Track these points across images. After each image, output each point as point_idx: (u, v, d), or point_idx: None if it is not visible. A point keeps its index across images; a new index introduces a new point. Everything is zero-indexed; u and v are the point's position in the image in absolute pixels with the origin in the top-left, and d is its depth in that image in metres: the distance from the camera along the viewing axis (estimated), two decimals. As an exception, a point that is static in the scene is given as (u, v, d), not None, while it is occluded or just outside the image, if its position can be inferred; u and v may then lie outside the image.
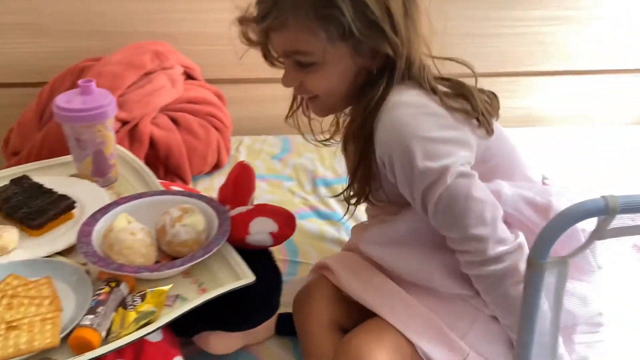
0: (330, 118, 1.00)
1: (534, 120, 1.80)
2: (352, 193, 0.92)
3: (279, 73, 1.72)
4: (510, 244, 0.76)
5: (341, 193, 0.94)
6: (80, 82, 0.99)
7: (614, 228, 0.61)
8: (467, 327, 0.83)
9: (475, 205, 0.76)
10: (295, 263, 1.16)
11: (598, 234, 0.61)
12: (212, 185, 1.40)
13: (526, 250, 0.77)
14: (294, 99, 1.01)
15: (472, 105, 0.82)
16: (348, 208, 0.94)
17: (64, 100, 0.98)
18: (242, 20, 0.88)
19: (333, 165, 1.51)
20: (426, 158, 0.76)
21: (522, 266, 0.75)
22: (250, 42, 0.90)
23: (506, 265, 0.76)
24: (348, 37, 0.77)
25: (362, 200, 0.92)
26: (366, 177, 0.87)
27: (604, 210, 0.59)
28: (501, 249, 0.76)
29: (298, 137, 1.61)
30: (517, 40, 1.67)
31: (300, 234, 1.22)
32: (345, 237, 1.23)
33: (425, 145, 0.77)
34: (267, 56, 0.92)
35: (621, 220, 0.61)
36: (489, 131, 0.83)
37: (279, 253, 1.14)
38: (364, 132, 0.83)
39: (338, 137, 1.01)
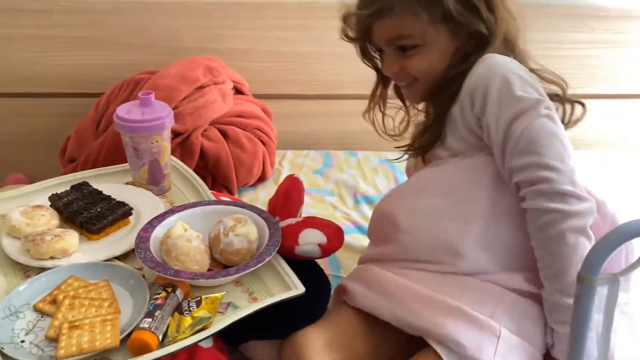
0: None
1: (577, 143, 1.79)
2: (416, 146, 0.99)
3: (323, 89, 1.77)
4: (584, 195, 0.77)
5: (407, 145, 1.03)
6: (140, 94, 1.03)
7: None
8: (493, 306, 0.81)
9: (558, 145, 0.79)
10: (337, 278, 1.17)
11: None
12: (256, 197, 1.43)
13: (594, 217, 0.78)
14: (373, 95, 1.09)
15: (563, 93, 0.89)
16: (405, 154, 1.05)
17: (124, 110, 1.02)
18: (346, 16, 0.97)
19: (375, 182, 1.52)
20: (523, 90, 0.81)
21: (588, 222, 0.77)
22: (350, 39, 0.99)
23: (573, 209, 0.76)
24: (448, 18, 0.85)
25: (423, 153, 0.97)
26: (438, 128, 0.92)
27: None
28: (573, 190, 0.76)
29: (340, 153, 1.65)
30: (563, 63, 1.67)
31: (343, 249, 1.23)
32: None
33: (523, 81, 0.82)
34: (364, 51, 1.00)
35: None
36: (568, 124, 0.89)
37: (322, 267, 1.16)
38: (451, 86, 0.89)
39: (407, 135, 1.08)
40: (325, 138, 1.70)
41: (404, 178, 1.52)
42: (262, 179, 1.45)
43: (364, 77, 1.65)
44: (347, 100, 1.67)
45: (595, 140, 1.80)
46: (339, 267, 1.20)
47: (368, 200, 1.45)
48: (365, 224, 1.35)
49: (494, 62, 0.85)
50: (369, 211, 1.39)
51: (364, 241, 1.28)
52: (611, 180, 1.50)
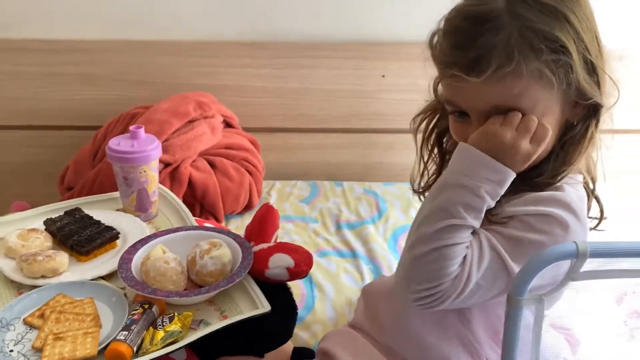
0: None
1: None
2: None
3: (311, 124, 1.85)
4: None
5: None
6: (131, 127, 1.12)
7: (587, 271, 0.68)
8: None
9: None
10: (311, 297, 1.24)
11: (571, 275, 0.68)
12: (242, 224, 1.51)
13: None
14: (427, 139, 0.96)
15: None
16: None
17: (115, 143, 1.12)
18: (445, 73, 0.78)
19: (358, 209, 1.60)
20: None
21: None
22: (439, 68, 0.82)
23: None
24: (569, 83, 0.74)
25: None
26: None
27: (575, 254, 0.66)
28: None
29: (326, 183, 1.74)
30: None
31: (319, 270, 1.31)
32: (361, 275, 1.31)
33: None
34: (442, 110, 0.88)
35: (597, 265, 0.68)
36: None
37: (297, 288, 1.23)
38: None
39: None
40: (313, 169, 1.79)
41: (385, 206, 1.61)
42: (249, 207, 1.53)
43: (350, 112, 1.77)
44: (334, 134, 1.76)
45: None
46: (314, 287, 1.27)
47: (350, 226, 1.52)
48: (345, 249, 1.42)
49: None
50: (350, 236, 1.47)
51: (340, 264, 1.36)
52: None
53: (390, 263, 1.35)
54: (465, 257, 0.77)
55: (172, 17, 1.63)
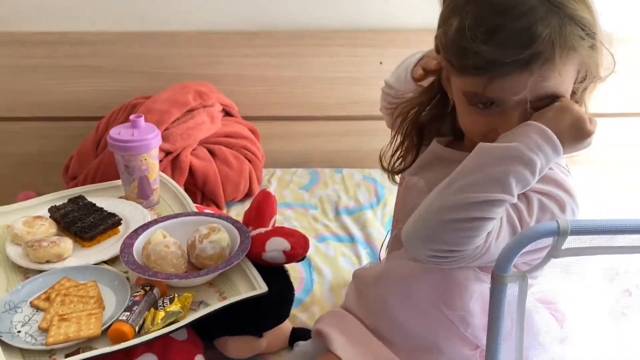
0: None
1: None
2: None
3: (310, 111, 1.86)
4: None
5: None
6: (131, 117, 1.15)
7: (568, 248, 0.70)
8: None
9: None
10: (310, 279, 1.28)
11: (553, 252, 0.70)
12: (243, 211, 1.53)
13: None
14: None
15: None
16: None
17: (116, 132, 1.15)
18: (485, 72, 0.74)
19: (357, 195, 1.62)
20: None
21: None
22: (463, 71, 0.78)
23: None
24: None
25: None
26: None
27: (556, 232, 0.69)
28: None
29: (326, 170, 1.76)
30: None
31: (317, 254, 1.34)
32: (359, 259, 1.34)
33: None
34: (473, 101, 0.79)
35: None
36: None
37: (296, 272, 1.26)
38: None
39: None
40: (313, 157, 1.81)
41: (384, 192, 1.63)
42: (249, 194, 1.56)
43: (348, 99, 1.78)
44: (333, 122, 1.78)
45: None
46: (312, 271, 1.30)
47: (349, 212, 1.55)
48: (343, 234, 1.45)
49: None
50: (348, 222, 1.49)
51: (338, 248, 1.38)
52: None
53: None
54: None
55: (171, 8, 1.65)
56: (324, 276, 1.28)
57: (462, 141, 0.92)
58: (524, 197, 0.79)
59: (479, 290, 0.86)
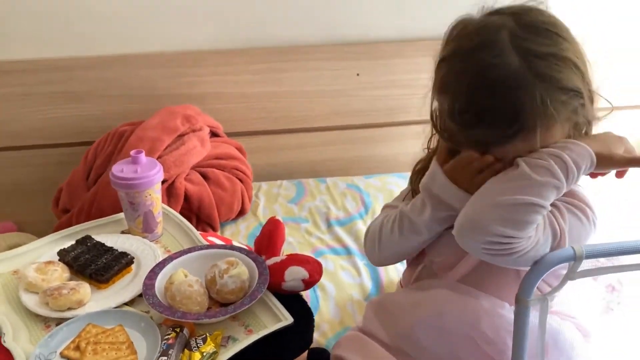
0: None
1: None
2: None
3: (291, 124, 1.89)
4: None
5: None
6: (132, 153, 1.15)
7: (582, 270, 0.77)
8: None
9: None
10: (315, 297, 1.32)
11: (570, 275, 0.77)
12: (237, 230, 1.56)
13: None
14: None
15: None
16: None
17: (118, 169, 1.15)
18: (468, 128, 0.82)
19: (345, 205, 1.67)
20: None
21: None
22: (462, 144, 0.87)
23: None
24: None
25: None
26: None
27: (573, 257, 0.76)
28: None
29: (310, 181, 1.80)
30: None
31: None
32: (358, 271, 1.39)
33: None
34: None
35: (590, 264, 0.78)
36: None
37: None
38: None
39: None
40: (297, 168, 1.85)
41: (370, 200, 1.69)
42: (241, 212, 1.58)
43: (329, 111, 1.83)
44: (315, 133, 1.82)
45: None
46: (315, 287, 1.34)
47: (340, 223, 1.60)
48: (339, 246, 1.50)
49: None
50: (341, 233, 1.54)
51: (337, 262, 1.43)
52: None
53: (382, 257, 1.43)
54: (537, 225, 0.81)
55: (147, 29, 1.63)
56: (327, 292, 1.33)
57: None
58: (555, 206, 0.85)
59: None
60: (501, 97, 0.78)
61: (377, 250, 1.05)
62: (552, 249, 0.81)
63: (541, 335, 0.81)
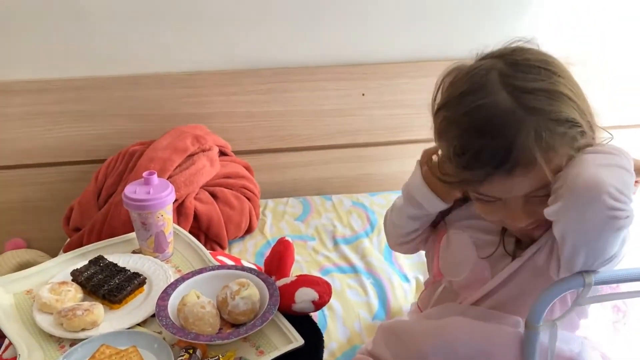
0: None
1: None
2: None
3: (297, 143, 1.92)
4: None
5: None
6: (144, 174, 1.17)
7: (591, 296, 0.79)
8: None
9: None
10: (322, 317, 1.33)
11: (580, 300, 0.79)
12: (245, 247, 1.58)
13: None
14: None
15: None
16: None
17: (131, 190, 1.17)
18: (460, 175, 0.83)
19: (350, 223, 1.69)
20: None
21: None
22: (451, 184, 0.88)
23: None
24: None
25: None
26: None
27: (582, 284, 0.78)
28: None
29: (316, 198, 1.82)
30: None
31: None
32: (365, 290, 1.40)
33: None
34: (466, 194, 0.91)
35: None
36: None
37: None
38: None
39: None
40: (303, 185, 1.87)
41: (376, 218, 1.70)
42: (249, 230, 1.60)
43: (334, 130, 1.85)
44: (321, 151, 1.85)
45: None
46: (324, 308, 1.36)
47: (346, 241, 1.61)
48: (345, 265, 1.51)
49: None
50: (348, 251, 1.56)
51: (343, 280, 1.44)
52: None
53: (389, 275, 1.45)
54: None
55: (157, 50, 1.66)
56: (334, 311, 1.34)
57: None
58: None
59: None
60: (491, 136, 0.78)
61: (385, 234, 1.16)
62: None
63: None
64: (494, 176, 0.79)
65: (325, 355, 1.22)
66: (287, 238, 1.16)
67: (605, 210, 0.72)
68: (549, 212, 0.78)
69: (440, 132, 0.88)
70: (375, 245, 1.59)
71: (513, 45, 0.87)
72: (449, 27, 1.68)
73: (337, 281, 1.44)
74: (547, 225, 0.84)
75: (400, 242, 1.11)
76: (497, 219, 0.88)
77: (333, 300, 1.37)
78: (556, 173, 0.78)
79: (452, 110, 0.84)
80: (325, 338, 1.25)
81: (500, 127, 0.77)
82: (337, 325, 1.31)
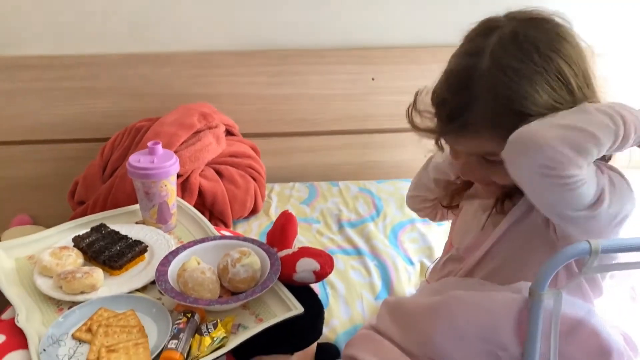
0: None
1: None
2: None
3: (305, 127, 1.91)
4: None
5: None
6: (149, 144, 1.17)
7: (598, 265, 0.77)
8: None
9: None
10: (325, 295, 1.32)
11: (586, 270, 0.77)
12: (250, 228, 1.57)
13: None
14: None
15: None
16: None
17: (135, 159, 1.16)
18: (421, 109, 0.91)
19: (356, 208, 1.67)
20: None
21: None
22: (417, 129, 0.92)
23: None
24: None
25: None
26: None
27: (589, 252, 0.75)
28: None
29: (323, 184, 1.81)
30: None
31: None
32: (368, 271, 1.39)
33: None
34: (438, 142, 0.93)
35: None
36: None
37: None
38: None
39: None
40: (310, 171, 1.86)
41: (382, 204, 1.69)
42: (254, 211, 1.59)
43: (343, 115, 1.84)
44: (328, 136, 1.83)
45: None
46: (325, 285, 1.34)
47: (351, 225, 1.60)
48: (349, 247, 1.50)
49: None
50: (352, 234, 1.54)
51: (347, 261, 1.43)
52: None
53: (393, 259, 1.43)
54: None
55: (168, 30, 1.66)
56: (337, 290, 1.33)
57: None
58: (597, 166, 0.82)
59: None
60: (455, 90, 0.83)
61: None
62: (592, 205, 0.77)
63: (554, 332, 0.80)
64: (447, 129, 0.85)
65: (325, 331, 1.22)
66: (290, 211, 1.15)
67: (532, 166, 0.74)
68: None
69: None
70: (381, 229, 1.58)
71: (537, 14, 0.86)
72: (463, 12, 1.67)
73: (341, 262, 1.43)
74: (503, 192, 0.91)
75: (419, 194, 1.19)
76: (470, 179, 0.94)
77: (336, 280, 1.36)
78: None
79: (452, 57, 0.88)
80: (327, 315, 1.25)
81: (465, 88, 0.82)
82: (339, 304, 1.29)
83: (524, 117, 0.79)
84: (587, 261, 0.76)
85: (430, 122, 0.90)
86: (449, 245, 1.12)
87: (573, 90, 0.82)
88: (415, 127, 0.92)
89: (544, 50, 0.81)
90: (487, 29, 0.85)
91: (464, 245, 1.01)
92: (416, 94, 0.94)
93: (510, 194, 0.93)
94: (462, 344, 0.91)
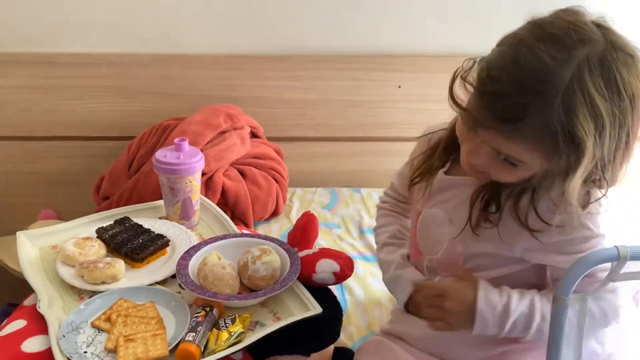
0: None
1: None
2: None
3: (330, 133, 1.91)
4: None
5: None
6: (176, 140, 1.18)
7: (626, 272, 0.75)
8: None
9: None
10: (343, 300, 1.31)
11: (612, 276, 0.75)
12: (270, 230, 1.57)
13: None
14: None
15: None
16: None
17: (162, 155, 1.18)
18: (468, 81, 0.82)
19: (378, 215, 1.66)
20: None
21: None
22: (453, 99, 0.83)
23: None
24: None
25: None
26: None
27: (616, 257, 0.74)
28: None
29: (345, 190, 1.80)
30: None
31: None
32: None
33: None
34: (467, 119, 0.83)
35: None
36: None
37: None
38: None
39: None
40: (332, 177, 1.85)
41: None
42: (275, 213, 1.59)
43: (367, 122, 1.84)
44: (352, 143, 1.83)
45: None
46: (344, 290, 1.33)
47: (372, 231, 1.59)
48: (369, 254, 1.49)
49: None
50: (373, 241, 1.52)
51: (367, 268, 1.42)
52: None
53: (414, 266, 1.42)
54: None
55: (197, 32, 1.69)
56: (355, 296, 1.32)
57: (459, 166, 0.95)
58: None
59: None
60: (525, 89, 0.74)
61: None
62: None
63: (578, 339, 0.78)
64: (489, 125, 0.77)
65: (342, 336, 1.20)
66: (311, 212, 1.15)
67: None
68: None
69: (493, 50, 0.82)
70: (402, 237, 1.56)
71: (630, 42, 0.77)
72: (491, 21, 1.66)
73: (361, 268, 1.42)
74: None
75: None
76: (470, 163, 0.85)
77: (355, 285, 1.35)
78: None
79: (517, 39, 0.78)
80: (344, 321, 1.24)
81: (536, 92, 0.73)
82: (357, 310, 1.28)
83: (577, 154, 0.75)
84: (615, 267, 0.75)
85: (465, 95, 0.82)
86: (413, 253, 1.07)
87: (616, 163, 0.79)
88: (452, 97, 0.83)
89: (624, 92, 0.74)
90: (578, 34, 0.74)
91: (434, 257, 0.99)
92: (473, 61, 0.84)
93: (497, 191, 0.89)
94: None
